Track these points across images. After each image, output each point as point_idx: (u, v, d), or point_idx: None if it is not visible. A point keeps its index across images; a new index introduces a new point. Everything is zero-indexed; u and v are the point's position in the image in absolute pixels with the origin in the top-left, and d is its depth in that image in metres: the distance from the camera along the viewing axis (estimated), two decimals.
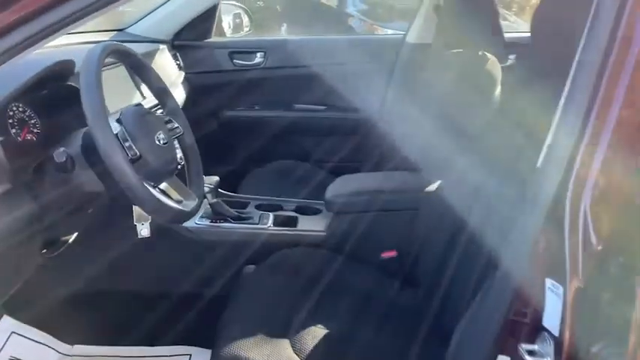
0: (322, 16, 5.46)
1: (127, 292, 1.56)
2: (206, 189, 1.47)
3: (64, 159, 1.00)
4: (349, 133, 2.31)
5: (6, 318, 1.49)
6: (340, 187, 1.56)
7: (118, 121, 1.06)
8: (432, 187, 1.45)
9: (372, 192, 1.53)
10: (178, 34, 2.18)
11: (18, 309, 1.49)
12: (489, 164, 1.22)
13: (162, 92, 1.26)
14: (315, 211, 1.66)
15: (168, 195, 1.15)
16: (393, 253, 1.50)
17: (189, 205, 1.15)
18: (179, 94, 1.99)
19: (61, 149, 1.01)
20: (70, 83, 1.25)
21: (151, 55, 1.90)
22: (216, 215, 1.55)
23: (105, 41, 1.16)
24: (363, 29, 5.19)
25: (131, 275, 1.55)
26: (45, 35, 0.77)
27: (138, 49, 1.89)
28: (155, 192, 1.07)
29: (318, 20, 5.15)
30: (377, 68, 2.28)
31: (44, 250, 1.16)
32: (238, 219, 1.55)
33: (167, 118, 1.24)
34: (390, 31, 4.70)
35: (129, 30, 2.11)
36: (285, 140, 2.33)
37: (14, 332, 1.47)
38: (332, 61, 2.29)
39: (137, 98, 1.62)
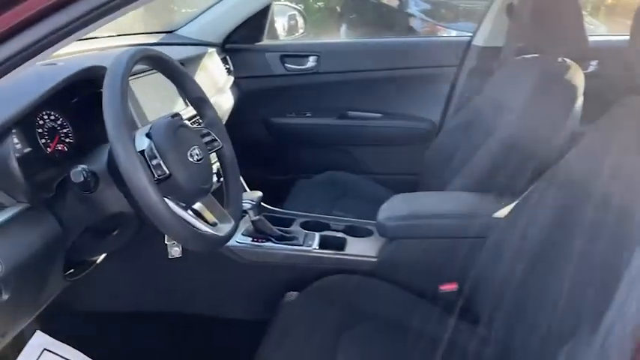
0: (383, 16, 5.28)
1: (160, 313, 1.46)
2: (247, 205, 1.35)
3: (82, 179, 0.90)
4: (407, 143, 2.15)
5: (39, 333, 1.42)
6: (394, 209, 1.40)
7: (148, 135, 0.94)
8: (503, 213, 1.27)
9: (431, 216, 1.36)
10: (229, 37, 2.09)
11: (50, 324, 1.42)
12: (575, 188, 1.03)
13: (200, 102, 1.14)
14: (367, 233, 1.51)
15: (202, 217, 1.03)
16: (453, 286, 1.33)
17: (224, 228, 1.03)
18: (227, 100, 1.90)
19: (79, 167, 0.91)
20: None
21: (199, 58, 1.81)
22: (258, 233, 1.43)
23: (136, 46, 1.06)
24: (425, 30, 4.97)
25: (164, 296, 1.45)
26: (51, 42, 0.65)
27: (187, 52, 1.82)
28: (185, 214, 0.95)
29: (378, 21, 4.98)
30: (439, 73, 2.13)
31: (70, 271, 1.07)
32: (281, 239, 1.43)
33: (205, 131, 1.12)
34: (454, 33, 4.46)
35: (179, 32, 2.04)
36: (337, 150, 2.20)
37: (46, 349, 1.40)
38: (390, 65, 2.15)
39: (180, 105, 1.52)
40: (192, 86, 1.12)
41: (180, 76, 1.10)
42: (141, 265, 1.37)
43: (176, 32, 2.03)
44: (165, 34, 2.00)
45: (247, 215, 1.40)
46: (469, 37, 2.10)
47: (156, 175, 0.89)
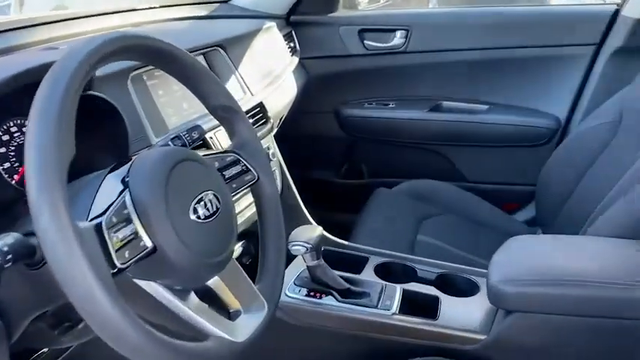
0: None
1: None
2: (302, 249, 0.96)
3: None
4: (521, 145, 1.69)
5: None
6: (514, 266, 0.94)
7: (124, 182, 0.57)
8: None
9: (574, 281, 0.89)
10: (295, 7, 1.71)
11: None
12: None
13: (226, 113, 0.75)
14: (469, 287, 1.07)
15: (217, 301, 0.66)
16: None
17: (247, 324, 0.65)
18: (288, 90, 1.51)
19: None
20: (95, 94, 0.80)
21: (254, 35, 1.42)
22: (315, 284, 1.04)
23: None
24: None
25: None
26: None
27: (240, 27, 1.44)
28: (179, 305, 0.59)
29: None
30: (569, 54, 1.63)
31: None
32: (347, 294, 1.03)
33: (231, 157, 0.73)
34: None
35: (234, 1, 1.67)
36: (427, 151, 1.79)
37: None
38: (500, 42, 1.68)
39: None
40: (212, 89, 0.73)
41: (192, 75, 0.71)
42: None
43: (231, 1, 1.66)
44: (217, 5, 1.63)
45: (302, 258, 1.01)
46: (615, 7, 1.58)
47: (118, 263, 0.51)
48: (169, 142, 0.78)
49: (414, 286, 1.07)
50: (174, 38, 1.19)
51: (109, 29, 1.19)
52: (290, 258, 1.03)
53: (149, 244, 0.55)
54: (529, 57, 1.65)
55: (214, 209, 0.62)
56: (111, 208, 0.54)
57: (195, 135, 0.81)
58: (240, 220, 1.07)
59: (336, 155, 1.87)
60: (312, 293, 1.03)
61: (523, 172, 1.67)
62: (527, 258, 0.96)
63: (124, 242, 0.53)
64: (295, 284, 1.05)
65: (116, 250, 0.52)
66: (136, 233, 0.54)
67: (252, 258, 1.20)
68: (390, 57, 1.74)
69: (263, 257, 0.74)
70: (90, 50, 0.55)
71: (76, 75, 0.53)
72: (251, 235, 1.18)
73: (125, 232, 0.54)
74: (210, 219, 0.61)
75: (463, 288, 1.08)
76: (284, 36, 1.60)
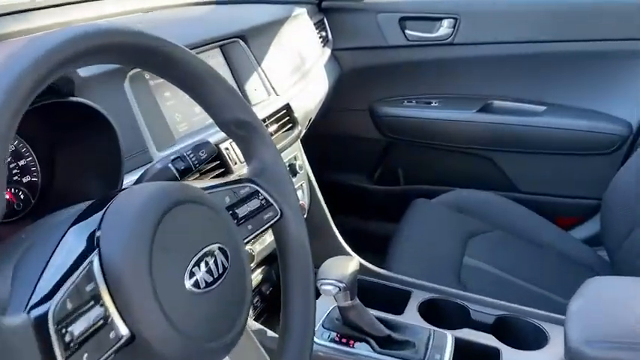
0: None
1: None
2: (334, 289, 0.78)
3: None
4: (583, 153, 1.49)
5: None
6: (600, 319, 0.75)
7: (93, 239, 0.40)
8: None
9: None
10: None
11: None
12: None
13: (242, 129, 0.58)
14: (536, 336, 0.89)
15: None
16: None
17: None
18: (321, 84, 1.35)
19: None
20: (77, 100, 0.63)
21: (281, 24, 1.25)
22: (347, 329, 0.86)
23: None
24: None
25: None
26: None
27: (264, 14, 1.26)
28: None
29: None
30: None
31: None
32: (387, 343, 0.85)
33: (246, 189, 0.56)
34: None
35: None
36: (474, 156, 1.61)
37: None
38: (563, 34, 1.49)
39: None
40: (223, 99, 0.55)
41: (195, 82, 0.53)
42: None
43: None
44: None
45: (333, 297, 0.83)
46: None
47: None
48: (169, 165, 0.61)
49: (468, 334, 0.89)
50: (186, 28, 1.02)
51: (112, 16, 1.03)
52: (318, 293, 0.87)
53: (124, 332, 0.38)
54: (596, 51, 1.45)
55: (220, 271, 0.45)
56: (66, 285, 0.37)
57: (203, 155, 0.64)
58: (259, 247, 0.91)
59: (370, 158, 1.72)
60: (343, 339, 0.86)
61: (584, 183, 1.49)
62: (617, 311, 0.76)
63: (83, 338, 0.36)
64: (324, 327, 0.88)
65: (68, 356, 0.35)
66: (105, 319, 0.38)
67: (273, 286, 1.04)
68: (434, 49, 1.57)
69: (285, 323, 0.57)
70: (39, 56, 0.37)
71: (16, 91, 0.36)
72: (272, 260, 1.02)
73: (87, 320, 0.37)
74: (214, 285, 0.44)
75: (528, 337, 0.89)
76: (315, 24, 1.44)
